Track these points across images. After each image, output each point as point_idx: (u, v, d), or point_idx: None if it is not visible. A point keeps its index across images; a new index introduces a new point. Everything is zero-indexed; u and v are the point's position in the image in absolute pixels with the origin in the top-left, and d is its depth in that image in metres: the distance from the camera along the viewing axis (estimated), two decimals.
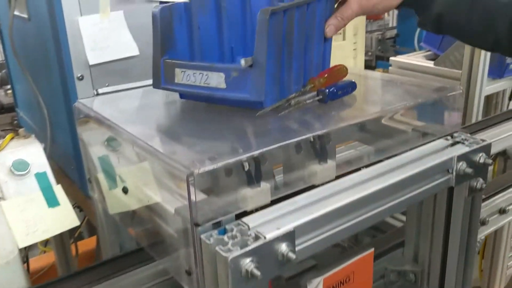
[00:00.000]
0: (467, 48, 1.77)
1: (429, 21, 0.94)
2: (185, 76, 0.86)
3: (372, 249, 0.84)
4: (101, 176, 0.97)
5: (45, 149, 1.12)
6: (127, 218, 0.91)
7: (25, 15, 1.32)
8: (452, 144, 0.91)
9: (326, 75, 0.98)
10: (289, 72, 0.88)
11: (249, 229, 0.66)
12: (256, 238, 0.64)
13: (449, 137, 0.94)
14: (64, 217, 1.02)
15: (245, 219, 0.68)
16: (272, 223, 0.68)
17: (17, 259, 0.93)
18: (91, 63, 1.15)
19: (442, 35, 2.10)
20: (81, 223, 1.80)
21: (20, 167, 1.02)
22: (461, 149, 0.88)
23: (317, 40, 0.94)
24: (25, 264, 1.62)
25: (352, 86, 0.95)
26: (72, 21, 1.12)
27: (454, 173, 0.87)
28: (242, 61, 0.78)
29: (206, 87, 0.84)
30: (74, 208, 1.76)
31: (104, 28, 1.16)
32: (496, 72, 1.91)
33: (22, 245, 0.95)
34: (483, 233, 1.31)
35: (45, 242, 2.29)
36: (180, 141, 0.80)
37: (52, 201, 1.02)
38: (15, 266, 0.92)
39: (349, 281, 0.83)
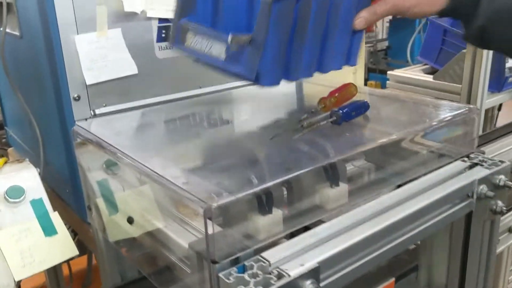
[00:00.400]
0: (467, 62, 1.75)
1: (472, 34, 0.87)
2: (194, 41, 0.86)
3: (393, 279, 0.80)
4: (101, 203, 0.92)
5: (39, 173, 1.06)
6: (130, 247, 0.86)
7: (17, 33, 1.26)
8: (471, 166, 0.88)
9: (336, 94, 0.94)
10: (298, 57, 0.86)
11: (270, 265, 0.62)
12: (280, 276, 0.60)
13: (466, 158, 0.90)
14: (62, 247, 0.96)
15: (265, 254, 0.63)
16: (294, 258, 0.63)
17: None
18: (88, 83, 1.09)
19: (439, 49, 2.08)
20: None
21: (14, 194, 0.97)
22: (481, 172, 0.85)
23: (342, 31, 0.90)
24: None
25: (365, 106, 0.91)
26: (68, 39, 1.07)
27: (475, 196, 0.83)
28: (229, 37, 0.78)
29: (209, 55, 0.83)
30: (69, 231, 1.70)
31: (102, 47, 1.11)
32: (495, 85, 1.89)
33: (19, 277, 0.89)
34: None
35: None
36: (191, 169, 0.75)
37: (49, 230, 0.97)
38: None
39: None
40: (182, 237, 0.67)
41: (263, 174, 0.73)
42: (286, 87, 1.27)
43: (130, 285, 0.98)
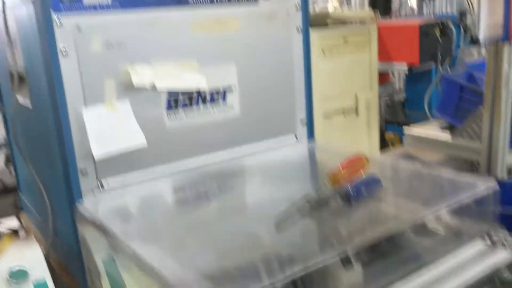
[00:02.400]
0: (485, 119, 1.71)
1: None
2: None
3: None
4: (104, 282, 0.89)
5: (44, 248, 1.04)
6: None
7: (28, 104, 1.27)
8: (491, 246, 0.82)
9: (345, 169, 0.91)
10: None
11: None
12: None
13: (486, 237, 0.85)
14: None
15: None
16: None
17: None
18: (96, 157, 1.08)
19: (456, 105, 2.04)
20: None
21: (18, 275, 0.94)
22: (503, 255, 0.79)
23: None
24: None
25: (377, 184, 0.87)
26: (75, 111, 1.07)
27: (498, 282, 0.78)
28: None
29: None
30: None
31: (110, 119, 1.11)
32: None
33: None
34: None
35: None
36: (187, 259, 0.71)
37: None
38: None
39: None
40: None
41: (271, 267, 0.68)
42: (298, 155, 1.25)
43: None
